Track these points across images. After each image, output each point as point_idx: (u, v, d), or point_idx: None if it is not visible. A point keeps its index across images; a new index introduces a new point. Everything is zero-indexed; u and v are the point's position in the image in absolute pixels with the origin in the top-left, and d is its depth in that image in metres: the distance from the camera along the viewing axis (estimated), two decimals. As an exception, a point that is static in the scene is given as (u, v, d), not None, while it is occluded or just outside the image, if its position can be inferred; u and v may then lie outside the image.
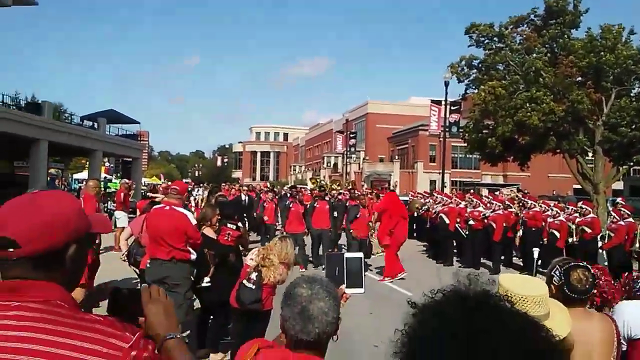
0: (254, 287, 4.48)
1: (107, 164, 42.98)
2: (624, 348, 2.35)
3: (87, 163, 34.85)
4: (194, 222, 5.27)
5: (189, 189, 15.13)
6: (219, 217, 5.76)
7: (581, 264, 2.44)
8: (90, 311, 1.37)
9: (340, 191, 18.45)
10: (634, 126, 20.20)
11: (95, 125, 31.23)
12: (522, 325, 0.83)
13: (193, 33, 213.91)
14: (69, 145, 26.83)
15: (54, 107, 28.91)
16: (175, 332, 1.28)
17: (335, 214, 12.12)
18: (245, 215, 12.96)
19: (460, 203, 13.67)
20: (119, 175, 41.56)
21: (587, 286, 2.34)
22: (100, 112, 32.61)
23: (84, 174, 37.52)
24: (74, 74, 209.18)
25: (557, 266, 2.42)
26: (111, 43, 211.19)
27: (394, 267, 10.40)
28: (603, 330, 2.30)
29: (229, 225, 5.74)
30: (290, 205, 11.76)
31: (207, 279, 5.51)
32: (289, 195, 14.43)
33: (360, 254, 2.36)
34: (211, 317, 5.72)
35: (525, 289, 1.93)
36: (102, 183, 29.38)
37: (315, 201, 11.93)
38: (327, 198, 13.12)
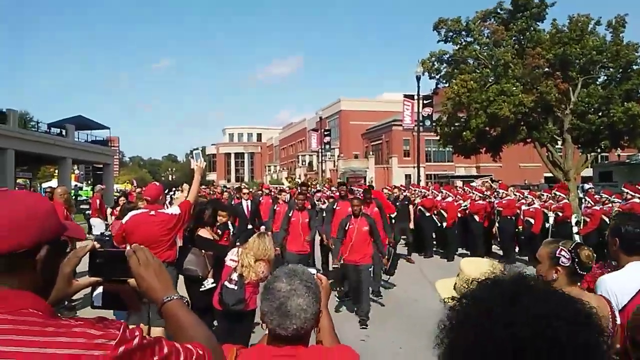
0: (236, 287, 4.45)
1: (77, 171, 42.06)
2: (618, 321, 2.38)
3: (56, 171, 34.05)
4: (177, 211, 5.11)
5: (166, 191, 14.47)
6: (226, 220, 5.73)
7: (580, 242, 2.51)
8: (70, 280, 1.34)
9: (319, 189, 18.01)
10: (600, 113, 20.78)
11: (64, 132, 30.58)
12: (561, 301, 0.85)
13: (163, 35, 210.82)
14: (37, 154, 26.22)
15: (20, 115, 28.15)
16: (172, 293, 1.25)
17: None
18: (253, 225, 10.83)
19: (437, 195, 13.86)
20: (90, 182, 40.71)
21: (592, 263, 2.41)
22: (68, 119, 31.99)
23: (53, 183, 36.67)
24: (40, 80, 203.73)
25: (561, 247, 2.43)
26: (77, 47, 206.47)
27: None
28: (602, 310, 2.33)
29: (229, 227, 5.72)
30: (290, 214, 8.16)
31: (210, 280, 5.42)
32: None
33: None
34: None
35: (477, 271, 2.00)
36: (72, 191, 28.81)
37: (291, 210, 8.36)
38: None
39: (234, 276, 4.49)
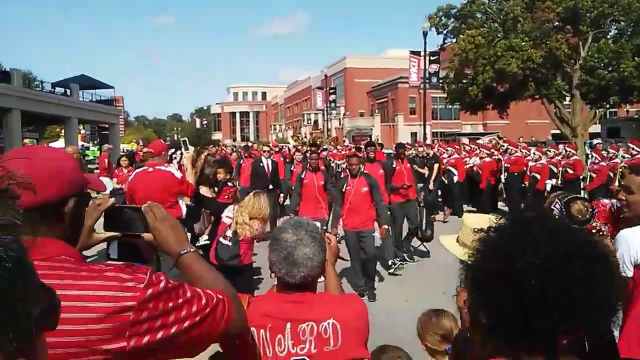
0: (230, 244, 4.62)
1: (83, 131, 42.09)
2: (630, 274, 2.38)
3: (62, 131, 34.10)
4: (179, 175, 5.17)
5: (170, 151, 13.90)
6: (224, 177, 5.77)
7: (580, 196, 2.49)
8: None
9: (325, 147, 17.61)
10: (610, 68, 20.41)
11: (68, 92, 30.38)
12: (572, 235, 0.92)
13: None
14: (43, 114, 26.19)
15: (23, 75, 27.92)
16: (188, 246, 1.31)
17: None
18: (274, 186, 9.58)
19: (443, 153, 13.87)
20: (96, 142, 40.80)
21: (587, 216, 2.39)
22: (71, 78, 31.73)
23: (60, 143, 36.75)
24: (40, 39, 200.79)
25: (557, 200, 2.45)
26: (76, 4, 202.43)
27: None
28: None
29: (228, 184, 5.78)
30: (303, 176, 7.32)
31: (205, 236, 5.53)
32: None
33: None
34: None
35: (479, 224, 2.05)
36: (80, 151, 28.92)
37: (304, 171, 7.60)
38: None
39: (229, 233, 4.64)
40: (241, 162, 11.93)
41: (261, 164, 9.84)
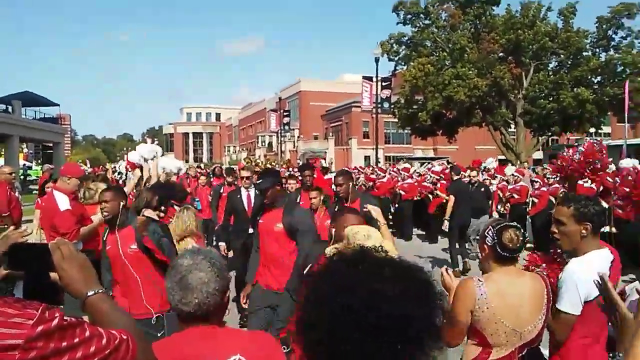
0: None
1: (25, 150, 40.34)
2: (572, 310, 2.36)
3: (3, 150, 32.53)
4: (63, 207, 4.51)
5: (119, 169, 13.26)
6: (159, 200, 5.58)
7: (512, 224, 2.49)
8: None
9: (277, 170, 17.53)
10: (551, 98, 21.52)
11: (10, 108, 29.12)
12: (395, 269, 0.97)
13: (120, 7, 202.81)
14: (-19, 131, 24.92)
15: (-39, 90, 26.60)
16: (97, 287, 1.25)
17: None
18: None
19: (394, 177, 14.05)
20: (39, 161, 39.11)
21: (518, 245, 2.39)
22: (14, 95, 30.43)
23: (-1, 162, 35.05)
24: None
25: (490, 226, 2.46)
26: (25, 17, 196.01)
27: None
28: (533, 288, 2.38)
29: (175, 206, 5.57)
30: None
31: None
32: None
33: None
34: None
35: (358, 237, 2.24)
36: (21, 170, 27.60)
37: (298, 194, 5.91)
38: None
39: None
40: (221, 190, 8.63)
41: (239, 196, 6.75)
